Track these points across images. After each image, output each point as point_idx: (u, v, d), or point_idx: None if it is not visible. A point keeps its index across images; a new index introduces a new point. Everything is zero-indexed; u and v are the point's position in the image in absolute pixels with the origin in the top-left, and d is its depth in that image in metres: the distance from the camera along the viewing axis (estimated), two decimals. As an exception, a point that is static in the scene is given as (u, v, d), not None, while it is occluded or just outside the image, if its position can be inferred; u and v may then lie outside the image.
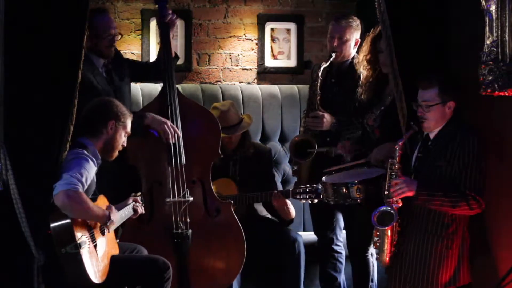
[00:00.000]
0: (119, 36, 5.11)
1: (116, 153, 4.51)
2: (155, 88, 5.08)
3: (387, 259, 4.30)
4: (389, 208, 4.17)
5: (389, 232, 4.24)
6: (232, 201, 5.05)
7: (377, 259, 4.42)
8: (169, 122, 4.88)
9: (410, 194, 4.16)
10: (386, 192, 4.22)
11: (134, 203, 4.60)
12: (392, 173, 4.22)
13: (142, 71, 5.29)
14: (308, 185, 5.07)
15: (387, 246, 4.27)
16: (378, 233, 4.30)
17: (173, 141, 4.87)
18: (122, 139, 4.48)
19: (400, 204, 4.19)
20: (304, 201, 5.12)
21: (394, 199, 4.18)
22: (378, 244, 4.32)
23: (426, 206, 4.18)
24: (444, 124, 4.22)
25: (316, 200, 5.06)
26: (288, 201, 5.20)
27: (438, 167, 4.17)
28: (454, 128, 4.19)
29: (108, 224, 4.28)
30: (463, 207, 4.10)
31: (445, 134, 4.21)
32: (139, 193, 4.70)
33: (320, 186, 4.97)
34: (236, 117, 5.29)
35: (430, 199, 4.13)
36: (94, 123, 4.41)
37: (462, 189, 4.10)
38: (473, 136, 4.13)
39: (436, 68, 4.35)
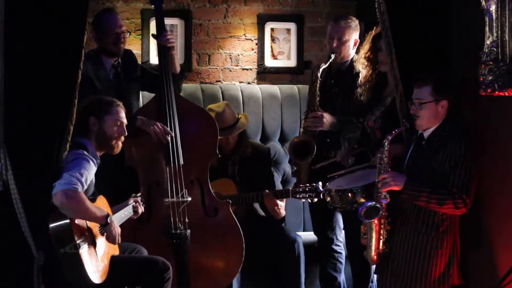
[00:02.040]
0: (127, 34, 5.10)
1: (117, 145, 4.47)
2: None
3: (375, 256, 4.29)
4: (375, 202, 4.18)
5: (376, 227, 4.24)
6: (230, 201, 5.06)
7: (364, 255, 4.38)
8: (159, 123, 4.87)
9: (396, 188, 4.17)
10: (376, 187, 4.24)
11: (134, 203, 4.60)
12: (381, 167, 4.23)
13: (152, 81, 5.25)
14: (307, 184, 5.07)
15: (374, 242, 4.27)
16: (365, 228, 4.29)
17: (165, 141, 4.87)
18: (114, 129, 4.45)
19: (389, 200, 4.20)
20: (303, 200, 5.11)
21: (382, 193, 4.18)
22: (365, 239, 4.31)
23: (412, 202, 4.19)
24: (438, 124, 4.23)
25: (316, 199, 5.06)
26: (280, 202, 5.17)
27: (430, 167, 4.18)
28: (449, 130, 4.20)
29: (108, 223, 4.27)
30: (449, 205, 4.11)
31: (439, 134, 4.22)
32: (139, 194, 4.70)
33: (319, 185, 4.97)
34: (232, 118, 5.28)
35: (417, 195, 4.14)
36: (82, 122, 4.41)
37: (449, 187, 4.11)
38: (465, 138, 4.16)
39: (434, 68, 4.36)
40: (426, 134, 4.27)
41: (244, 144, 5.34)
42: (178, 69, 5.17)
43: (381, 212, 4.19)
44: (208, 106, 5.40)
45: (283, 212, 5.22)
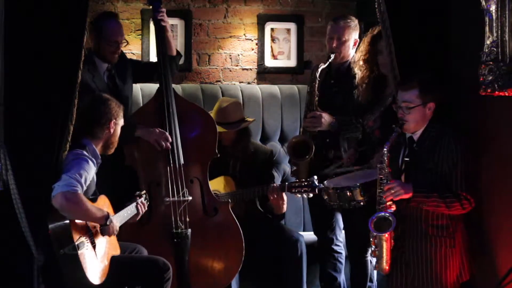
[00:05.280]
0: (125, 43, 5.08)
1: (113, 148, 4.52)
2: (155, 88, 5.08)
3: (387, 267, 4.24)
4: (387, 214, 4.13)
5: (387, 238, 4.20)
6: (230, 200, 5.06)
7: (375, 268, 4.32)
8: (158, 131, 4.88)
9: (406, 196, 4.14)
10: (378, 198, 4.18)
11: (137, 201, 4.58)
12: (383, 178, 4.19)
13: (146, 71, 5.29)
14: (303, 180, 5.06)
15: (386, 253, 4.22)
16: (376, 241, 4.23)
17: (165, 148, 4.87)
18: (119, 135, 4.50)
19: (395, 208, 4.17)
20: (299, 195, 5.08)
21: (388, 203, 4.14)
22: (376, 252, 4.25)
23: (421, 207, 4.17)
24: (425, 125, 4.22)
25: (311, 195, 5.04)
26: (284, 196, 5.18)
27: (427, 170, 4.16)
28: (438, 130, 4.19)
29: (107, 224, 4.27)
30: (457, 207, 4.12)
31: (429, 136, 4.20)
32: (143, 191, 4.68)
33: (315, 179, 4.96)
34: (234, 116, 5.28)
35: (426, 201, 4.12)
36: (96, 124, 4.41)
37: (453, 189, 4.11)
38: (459, 137, 4.15)
39: (434, 68, 4.36)
40: (415, 136, 4.25)
41: (243, 143, 5.34)
42: (174, 52, 5.20)
43: (393, 225, 4.12)
44: (221, 98, 5.49)
45: (285, 208, 5.22)
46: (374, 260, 4.38)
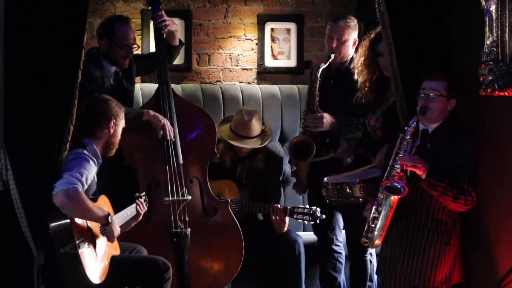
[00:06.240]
0: (136, 47, 5.08)
1: (114, 149, 4.52)
2: (155, 88, 5.09)
3: (380, 240, 4.16)
4: (400, 185, 4.02)
5: (392, 204, 4.08)
6: (229, 200, 5.07)
7: (368, 238, 4.15)
8: (167, 121, 4.90)
9: (419, 171, 4.07)
10: (389, 169, 4.11)
11: (137, 202, 4.58)
12: (401, 148, 4.11)
13: (148, 63, 5.29)
14: (306, 206, 5.10)
15: (385, 223, 4.11)
16: (379, 208, 4.11)
17: (171, 139, 4.88)
18: (120, 135, 4.51)
19: (405, 180, 4.06)
20: (300, 220, 5.13)
21: (399, 175, 4.04)
22: (375, 221, 4.12)
23: (428, 190, 4.12)
24: (442, 121, 4.22)
25: (312, 223, 5.12)
26: (286, 219, 5.18)
27: (438, 162, 4.15)
28: (453, 128, 4.19)
29: (109, 222, 4.27)
30: (461, 201, 4.10)
31: (444, 131, 4.20)
32: (143, 193, 4.69)
33: (317, 211, 5.03)
34: (256, 131, 5.28)
35: (436, 184, 4.08)
36: (96, 124, 4.42)
37: (461, 184, 4.11)
38: (470, 137, 4.16)
39: (434, 68, 4.36)
40: (430, 129, 4.24)
41: (260, 155, 5.33)
42: (177, 42, 5.25)
43: (403, 192, 4.02)
44: (241, 107, 5.52)
45: (285, 229, 5.22)
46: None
